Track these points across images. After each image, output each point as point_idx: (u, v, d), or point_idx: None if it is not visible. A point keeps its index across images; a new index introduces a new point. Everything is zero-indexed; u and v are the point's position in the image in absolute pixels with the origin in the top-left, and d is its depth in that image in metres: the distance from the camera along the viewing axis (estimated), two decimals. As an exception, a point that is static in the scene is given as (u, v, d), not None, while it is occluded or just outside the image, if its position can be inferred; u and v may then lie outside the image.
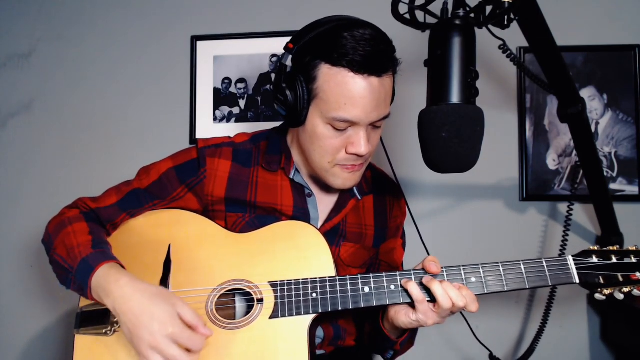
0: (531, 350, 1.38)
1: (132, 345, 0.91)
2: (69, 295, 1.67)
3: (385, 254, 1.23)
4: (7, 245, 1.74)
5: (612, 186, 1.61)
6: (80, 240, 1.00)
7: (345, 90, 0.94)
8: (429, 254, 1.19)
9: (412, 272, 0.98)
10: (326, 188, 1.16)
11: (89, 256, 0.97)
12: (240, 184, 1.10)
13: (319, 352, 1.13)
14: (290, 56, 0.99)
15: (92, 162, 1.74)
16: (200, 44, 1.73)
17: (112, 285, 0.93)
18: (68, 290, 1.03)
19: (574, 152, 1.59)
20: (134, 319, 0.90)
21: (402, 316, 0.98)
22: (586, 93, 1.63)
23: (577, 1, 1.66)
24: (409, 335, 1.08)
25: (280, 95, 1.00)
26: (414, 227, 1.25)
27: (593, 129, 1.62)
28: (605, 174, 1.60)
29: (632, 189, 1.61)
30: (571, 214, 1.33)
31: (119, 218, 1.10)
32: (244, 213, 1.09)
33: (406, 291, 0.96)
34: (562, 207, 1.62)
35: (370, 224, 1.18)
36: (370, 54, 0.94)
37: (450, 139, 0.86)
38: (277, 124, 1.22)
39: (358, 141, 0.99)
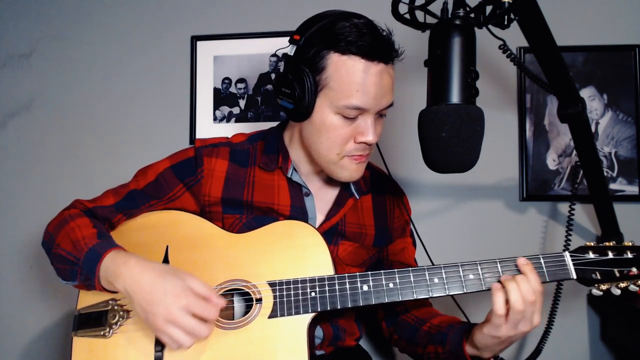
0: (538, 351, 1.37)
1: (147, 324, 0.91)
2: (68, 296, 1.68)
3: (395, 255, 1.23)
4: (7, 245, 1.74)
5: (612, 186, 1.61)
6: (85, 233, 1.01)
7: (357, 77, 0.96)
8: (428, 254, 1.20)
9: (410, 270, 0.98)
10: (325, 187, 1.16)
11: (95, 246, 0.98)
12: (237, 184, 1.10)
13: (318, 352, 1.13)
14: (295, 48, 1.00)
15: (92, 162, 1.74)
16: (200, 44, 1.73)
17: (121, 267, 0.93)
18: (68, 287, 1.03)
19: (574, 152, 1.59)
20: (146, 296, 0.90)
21: (479, 336, 0.96)
22: (586, 93, 1.62)
23: (577, 1, 1.65)
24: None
25: (286, 89, 1.00)
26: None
27: (593, 129, 1.62)
28: (605, 174, 1.60)
29: (632, 189, 1.60)
30: (573, 214, 1.33)
31: (115, 218, 1.10)
32: (240, 214, 1.10)
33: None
34: (562, 207, 1.62)
35: (370, 224, 1.18)
36: (377, 41, 0.96)
37: (450, 139, 0.86)
38: (277, 124, 1.22)
39: (367, 129, 1.00)
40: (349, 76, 0.96)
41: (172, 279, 0.91)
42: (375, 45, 0.96)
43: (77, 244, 0.99)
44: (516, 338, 0.93)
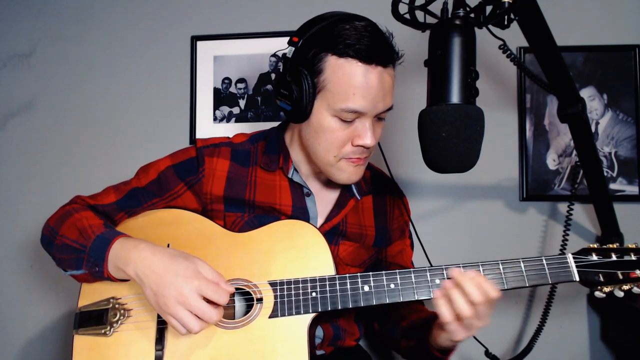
0: (528, 348, 1.38)
1: (157, 308, 0.92)
2: (69, 295, 1.68)
3: (394, 257, 1.23)
4: (7, 245, 1.74)
5: (612, 186, 1.61)
6: (92, 223, 1.01)
7: (354, 80, 0.95)
8: (427, 256, 1.20)
9: (411, 270, 0.98)
10: (326, 187, 1.16)
11: (103, 233, 0.98)
12: (239, 184, 1.11)
13: (318, 352, 1.13)
14: (294, 50, 0.99)
15: (92, 162, 1.74)
16: (200, 44, 1.73)
17: (131, 252, 0.94)
18: (69, 286, 1.02)
19: (574, 152, 1.59)
20: (157, 279, 0.91)
21: (438, 339, 0.98)
22: (586, 93, 1.62)
23: (577, 1, 1.66)
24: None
25: (285, 90, 1.00)
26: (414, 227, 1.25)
27: (593, 129, 1.62)
28: (605, 174, 1.60)
29: (632, 189, 1.61)
30: (571, 214, 1.33)
31: (117, 216, 1.10)
32: (242, 213, 1.10)
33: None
34: (562, 207, 1.62)
35: (371, 225, 1.18)
36: (375, 44, 0.95)
37: (450, 139, 0.86)
38: (277, 124, 1.22)
39: (365, 132, 1.00)
40: (346, 79, 0.95)
41: (183, 262, 0.92)
42: (373, 48, 0.95)
43: (84, 232, 0.99)
44: (474, 332, 0.94)
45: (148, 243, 0.96)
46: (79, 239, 0.99)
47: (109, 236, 0.98)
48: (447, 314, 0.89)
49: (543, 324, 1.36)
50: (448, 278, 0.94)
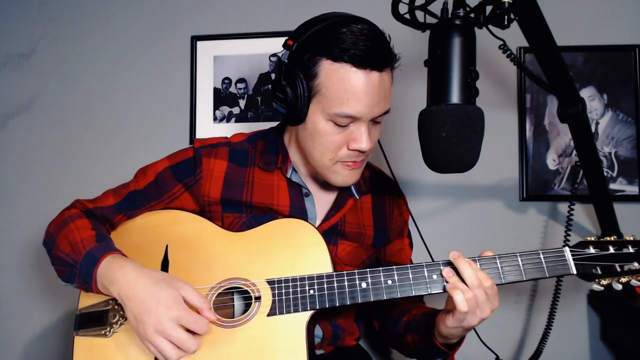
0: (538, 352, 1.37)
1: (137, 332, 0.91)
2: (69, 296, 1.68)
3: (392, 256, 1.23)
4: (7, 245, 1.74)
5: (612, 186, 1.61)
6: (83, 236, 1.01)
7: (348, 85, 0.94)
8: (430, 255, 1.20)
9: (408, 267, 0.98)
10: (324, 187, 1.16)
11: (93, 249, 0.98)
12: (236, 185, 1.10)
13: (318, 352, 1.13)
14: (289, 53, 0.99)
15: (92, 162, 1.74)
16: (200, 44, 1.73)
17: (117, 273, 0.94)
18: (69, 288, 1.03)
19: (574, 152, 1.59)
20: (139, 305, 0.90)
21: (442, 328, 0.97)
22: (586, 93, 1.62)
23: (577, 1, 1.66)
24: (458, 342, 1.04)
25: (280, 93, 1.00)
26: (414, 227, 1.25)
27: (593, 129, 1.62)
28: (605, 174, 1.60)
29: (632, 189, 1.61)
30: (572, 214, 1.33)
31: (116, 218, 1.10)
32: (240, 213, 1.10)
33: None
34: (562, 207, 1.62)
35: (370, 224, 1.18)
36: (371, 48, 0.94)
37: (450, 139, 0.86)
38: (277, 124, 1.22)
39: (360, 137, 0.99)
40: (341, 84, 0.94)
41: (166, 289, 0.91)
42: (369, 53, 0.93)
43: (76, 247, 0.99)
44: (477, 323, 0.94)
45: (134, 264, 0.95)
46: (71, 254, 0.99)
47: (98, 254, 0.97)
48: (464, 304, 0.90)
49: (549, 326, 1.35)
50: (447, 263, 0.96)
